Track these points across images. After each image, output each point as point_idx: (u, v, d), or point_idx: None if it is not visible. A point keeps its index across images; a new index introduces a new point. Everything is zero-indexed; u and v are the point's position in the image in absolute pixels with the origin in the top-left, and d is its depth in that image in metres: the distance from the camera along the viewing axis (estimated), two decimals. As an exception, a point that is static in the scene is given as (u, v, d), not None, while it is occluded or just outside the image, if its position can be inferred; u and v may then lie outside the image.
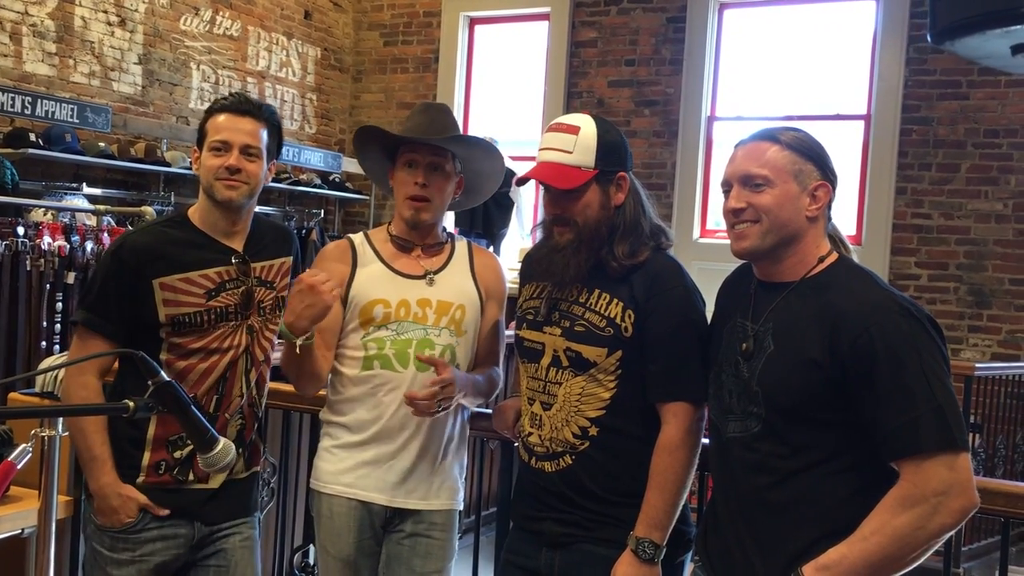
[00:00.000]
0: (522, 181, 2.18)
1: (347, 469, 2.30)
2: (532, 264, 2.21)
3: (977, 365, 5.43)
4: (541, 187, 2.15)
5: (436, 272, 2.35)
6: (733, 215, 1.85)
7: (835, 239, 1.90)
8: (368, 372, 2.28)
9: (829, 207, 1.86)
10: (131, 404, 1.48)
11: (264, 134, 2.28)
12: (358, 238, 2.42)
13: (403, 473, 2.29)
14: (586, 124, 2.09)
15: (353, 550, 2.30)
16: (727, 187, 1.88)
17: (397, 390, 2.27)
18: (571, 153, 2.06)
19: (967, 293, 6.31)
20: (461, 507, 2.41)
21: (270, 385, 2.69)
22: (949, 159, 6.39)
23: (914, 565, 1.67)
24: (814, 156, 1.83)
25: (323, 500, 2.33)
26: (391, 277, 2.33)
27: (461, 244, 2.45)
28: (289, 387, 3.10)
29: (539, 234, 2.22)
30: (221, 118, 2.25)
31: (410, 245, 2.37)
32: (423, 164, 2.30)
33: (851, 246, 1.93)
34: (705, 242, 6.94)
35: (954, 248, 6.36)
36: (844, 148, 6.62)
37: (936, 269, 6.39)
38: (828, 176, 1.84)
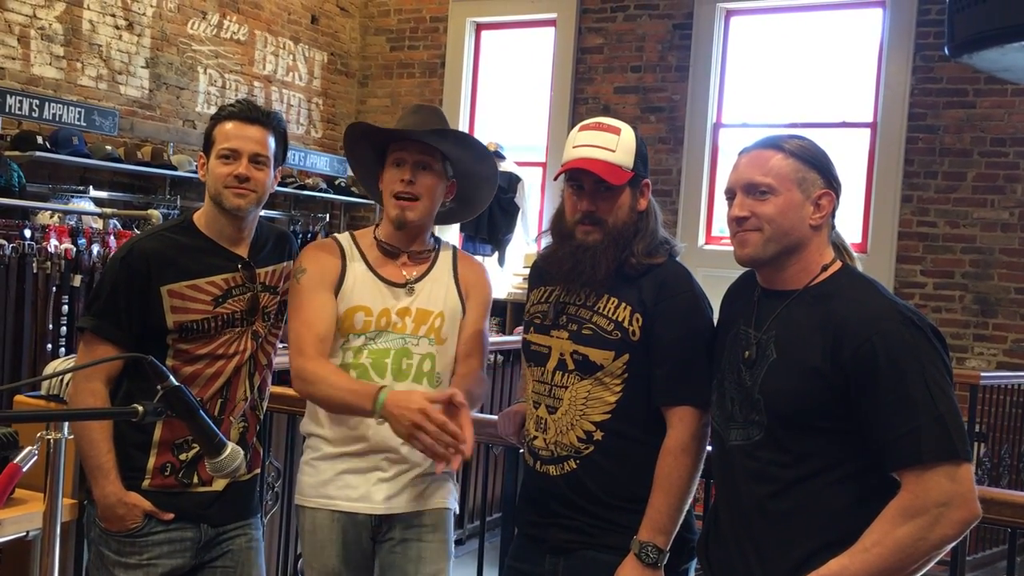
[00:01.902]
0: (562, 173, 2.12)
1: (328, 480, 2.25)
2: (548, 266, 2.20)
3: (982, 374, 5.42)
4: (572, 185, 2.12)
5: (416, 280, 2.30)
6: (736, 223, 1.86)
7: (839, 247, 1.91)
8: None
9: (833, 215, 1.87)
10: (140, 408, 1.49)
11: (272, 141, 2.28)
12: (345, 239, 2.36)
13: (387, 479, 2.23)
14: (625, 127, 2.13)
15: (338, 563, 2.23)
16: (731, 195, 1.88)
17: None
18: (615, 152, 2.08)
19: (973, 302, 6.30)
20: (454, 507, 2.33)
21: (276, 390, 2.69)
22: (955, 167, 6.38)
23: (917, 576, 1.67)
24: (818, 164, 1.83)
25: (306, 515, 2.28)
26: (375, 284, 2.28)
27: (446, 251, 2.39)
28: (294, 392, 3.10)
29: (547, 239, 2.23)
30: (229, 126, 2.25)
31: (396, 251, 2.31)
32: (410, 162, 2.24)
33: (856, 254, 1.93)
34: (710, 249, 6.94)
35: (960, 256, 6.35)
36: (850, 156, 6.63)
37: (942, 277, 6.38)
38: (832, 184, 1.85)
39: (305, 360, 2.19)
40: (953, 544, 1.69)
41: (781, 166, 1.82)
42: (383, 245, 2.33)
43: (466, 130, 7.89)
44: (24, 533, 2.43)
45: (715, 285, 2.14)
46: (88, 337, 2.24)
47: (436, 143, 2.27)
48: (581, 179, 2.10)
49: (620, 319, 2.07)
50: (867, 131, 6.69)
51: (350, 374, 2.22)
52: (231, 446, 1.63)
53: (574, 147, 2.11)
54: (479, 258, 7.24)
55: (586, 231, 2.09)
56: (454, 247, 2.45)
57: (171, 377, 1.53)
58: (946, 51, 3.72)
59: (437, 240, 2.42)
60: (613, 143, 2.09)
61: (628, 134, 2.12)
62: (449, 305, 2.30)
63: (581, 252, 2.09)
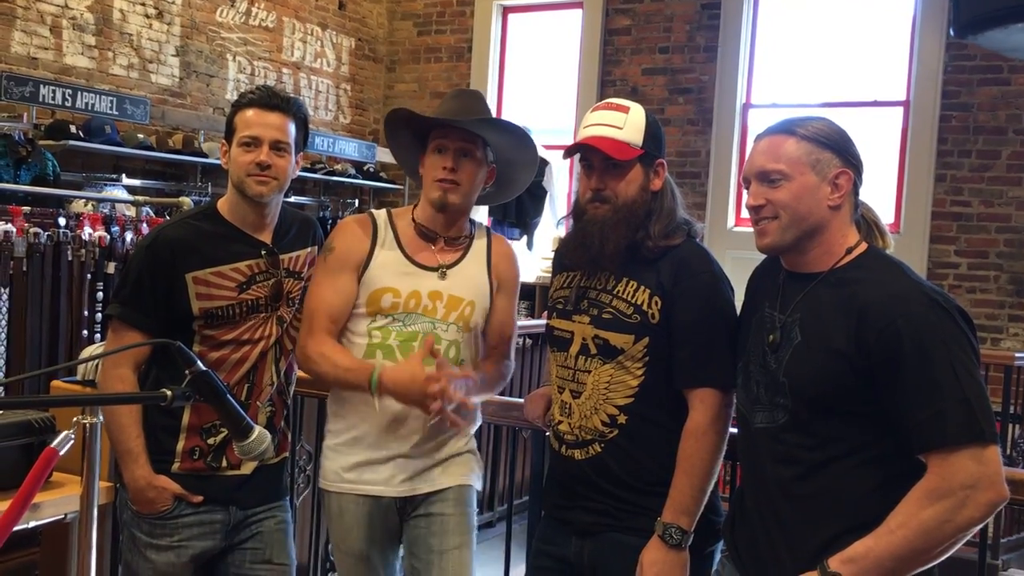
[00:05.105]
0: (570, 152, 2.13)
1: (351, 465, 2.27)
2: (565, 249, 2.22)
3: (1017, 355, 5.34)
4: (583, 164, 2.14)
5: (450, 266, 2.30)
6: (753, 212, 1.86)
7: (871, 224, 1.89)
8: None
9: (855, 194, 1.85)
10: (169, 393, 1.51)
11: (292, 128, 2.29)
12: (381, 217, 2.35)
13: (407, 462, 2.25)
14: (635, 106, 2.14)
15: (365, 545, 2.28)
16: (747, 183, 1.88)
17: None
18: (622, 129, 2.09)
19: (1007, 282, 6.20)
20: (476, 484, 2.36)
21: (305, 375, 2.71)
22: (989, 146, 6.28)
23: (942, 558, 1.66)
24: (832, 144, 1.82)
25: (332, 498, 2.31)
26: (406, 266, 2.28)
27: (481, 237, 2.40)
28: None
29: (570, 222, 2.23)
30: (250, 113, 2.26)
31: (433, 235, 2.32)
32: (452, 149, 2.25)
33: (890, 234, 1.92)
34: (739, 231, 6.87)
35: (994, 236, 6.25)
36: (883, 135, 6.54)
37: (976, 257, 6.28)
38: (850, 162, 1.83)
39: (309, 337, 2.25)
40: (980, 526, 1.68)
41: (793, 151, 1.81)
42: (420, 227, 2.33)
43: (494, 112, 7.87)
44: (62, 515, 2.48)
45: (744, 267, 2.13)
46: (115, 324, 2.28)
47: (479, 131, 2.27)
48: (591, 158, 2.11)
49: (639, 302, 2.07)
50: (900, 109, 6.60)
51: (376, 355, 2.24)
52: (258, 429, 1.66)
53: (584, 127, 2.13)
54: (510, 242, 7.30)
55: (595, 207, 2.10)
56: (488, 230, 2.45)
57: (199, 362, 1.56)
58: (951, 32, 3.68)
59: (473, 224, 2.41)
60: (620, 121, 2.09)
61: (637, 112, 2.12)
62: (480, 294, 2.32)
63: (591, 226, 2.09)
